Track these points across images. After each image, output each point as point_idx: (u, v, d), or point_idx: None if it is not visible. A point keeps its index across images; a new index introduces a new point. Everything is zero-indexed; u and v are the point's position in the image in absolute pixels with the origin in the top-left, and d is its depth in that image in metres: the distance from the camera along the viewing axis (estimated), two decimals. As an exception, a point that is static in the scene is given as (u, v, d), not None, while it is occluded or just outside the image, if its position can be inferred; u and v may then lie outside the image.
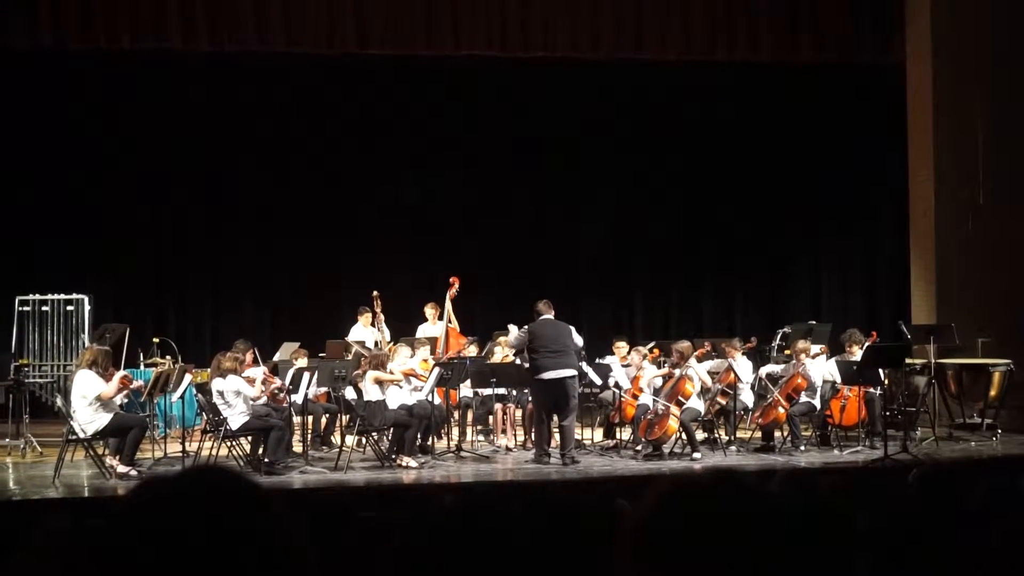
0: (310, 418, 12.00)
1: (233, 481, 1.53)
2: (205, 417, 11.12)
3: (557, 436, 11.30)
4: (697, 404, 11.40)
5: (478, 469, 10.89)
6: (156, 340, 13.75)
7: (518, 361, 12.07)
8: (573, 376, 11.02)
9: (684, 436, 11.34)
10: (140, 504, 1.49)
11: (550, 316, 11.15)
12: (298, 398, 11.07)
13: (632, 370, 12.10)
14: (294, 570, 1.49)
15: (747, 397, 12.20)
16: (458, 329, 13.74)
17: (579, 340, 11.26)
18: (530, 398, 11.83)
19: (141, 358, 13.35)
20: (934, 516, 2.91)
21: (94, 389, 10.15)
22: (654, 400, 11.44)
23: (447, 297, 13.49)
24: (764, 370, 12.19)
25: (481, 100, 16.50)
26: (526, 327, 11.10)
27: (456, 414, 12.54)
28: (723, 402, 11.94)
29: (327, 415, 12.34)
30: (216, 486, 1.51)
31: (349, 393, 11.42)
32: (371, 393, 10.87)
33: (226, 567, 1.43)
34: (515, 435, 12.42)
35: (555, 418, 11.13)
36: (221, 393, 10.42)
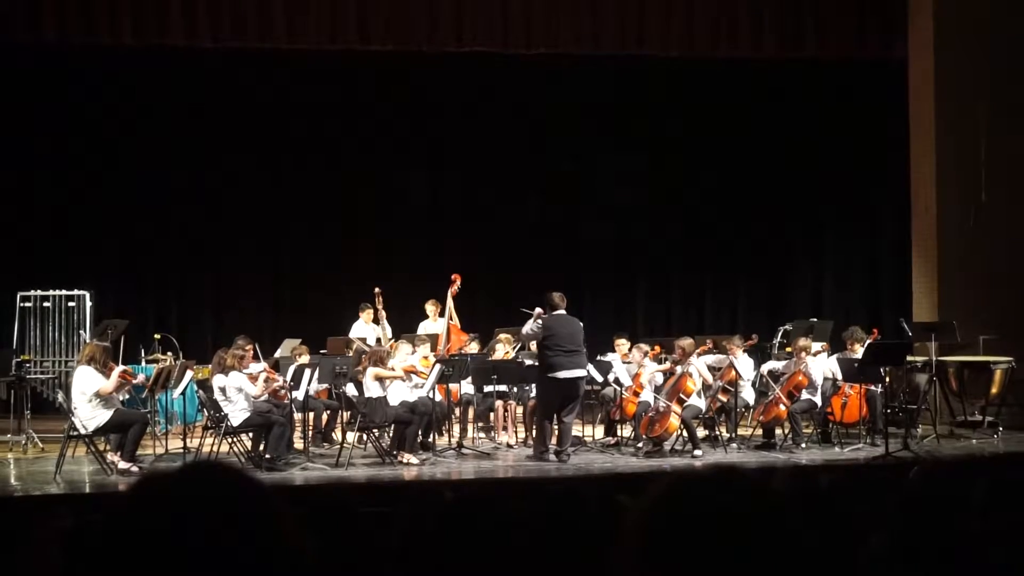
0: (311, 415, 12.00)
1: (232, 477, 1.53)
2: (206, 413, 11.12)
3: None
4: (698, 401, 11.40)
5: (479, 466, 10.89)
6: (157, 336, 13.75)
7: (518, 357, 12.06)
8: (584, 376, 10.99)
9: (685, 433, 11.35)
10: (140, 500, 1.49)
11: (563, 311, 11.06)
12: (299, 394, 11.07)
13: (633, 367, 12.09)
14: (293, 566, 1.49)
15: (748, 394, 12.21)
16: (459, 326, 13.74)
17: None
18: (532, 395, 11.79)
19: (142, 354, 13.35)
20: (935, 514, 2.91)
21: (93, 385, 10.15)
22: (655, 397, 11.44)
23: (448, 294, 13.49)
24: (766, 367, 12.19)
25: (482, 97, 16.48)
26: (539, 321, 10.97)
27: (457, 411, 12.53)
28: (724, 399, 11.94)
29: (328, 412, 12.34)
30: (215, 482, 1.51)
31: (350, 389, 11.43)
32: (372, 390, 10.87)
33: (225, 563, 1.43)
34: (516, 432, 12.42)
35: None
36: (223, 389, 10.43)
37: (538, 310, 11.11)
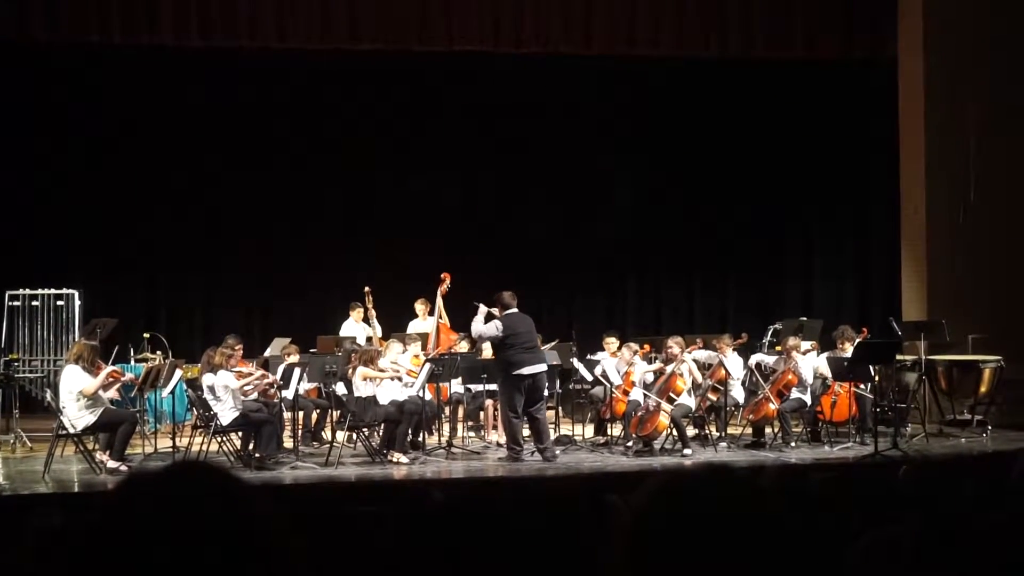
0: (301, 414, 11.99)
1: (217, 477, 1.52)
2: (195, 412, 11.09)
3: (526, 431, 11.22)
4: (688, 400, 11.40)
5: (469, 465, 10.89)
6: (146, 335, 13.70)
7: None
8: (546, 370, 11.04)
9: (675, 432, 11.35)
10: (125, 499, 1.49)
11: (516, 309, 11.04)
12: (289, 394, 11.04)
13: (623, 365, 12.09)
14: (278, 566, 1.48)
15: (738, 393, 12.21)
16: (449, 325, 13.71)
17: None
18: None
19: (131, 353, 13.31)
20: (924, 512, 2.91)
21: (79, 384, 10.13)
22: (645, 396, 11.43)
23: (438, 293, 13.47)
24: (753, 359, 12.18)
25: (476, 96, 16.45)
26: (497, 322, 10.91)
27: (447, 410, 12.52)
28: (714, 398, 11.94)
29: (318, 411, 12.32)
30: (200, 482, 1.50)
31: (340, 389, 11.41)
32: (361, 389, 10.85)
33: (210, 562, 1.42)
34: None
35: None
36: (211, 388, 10.41)
37: (483, 307, 11.14)
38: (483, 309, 11.17)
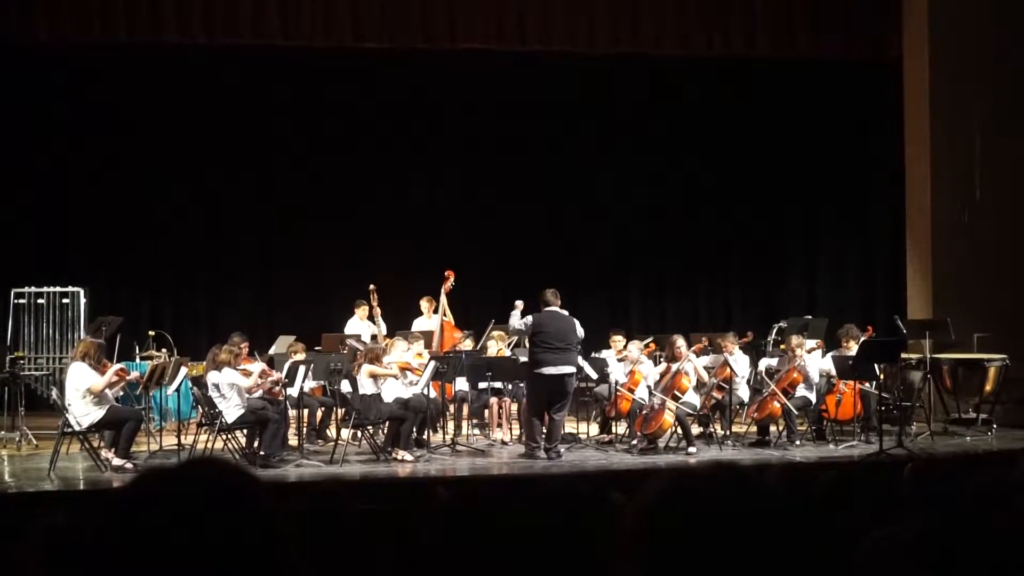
0: (306, 411, 12.00)
1: (232, 475, 1.53)
2: (201, 410, 11.11)
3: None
4: (693, 398, 11.40)
5: (474, 463, 10.90)
6: (152, 333, 13.74)
7: (510, 354, 12.06)
8: (573, 373, 11.00)
9: (680, 430, 11.35)
10: (139, 496, 1.49)
11: (557, 307, 11.04)
12: (294, 391, 11.06)
13: (628, 364, 12.09)
14: (289, 563, 1.49)
15: (743, 392, 12.21)
16: (453, 323, 13.73)
17: (581, 332, 11.10)
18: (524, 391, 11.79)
19: (137, 351, 13.33)
20: (929, 511, 2.91)
21: (85, 382, 10.14)
22: (650, 394, 11.43)
23: (442, 291, 13.49)
24: (763, 363, 12.19)
25: (479, 94, 16.45)
26: (529, 316, 11.00)
27: (452, 408, 12.53)
28: (719, 396, 11.94)
29: (323, 408, 12.34)
30: (215, 480, 1.51)
31: (345, 387, 11.42)
32: (366, 387, 10.86)
33: (223, 560, 1.43)
34: (511, 429, 12.42)
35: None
36: (216, 386, 10.42)
37: (519, 304, 11.25)
38: (519, 305, 11.26)
